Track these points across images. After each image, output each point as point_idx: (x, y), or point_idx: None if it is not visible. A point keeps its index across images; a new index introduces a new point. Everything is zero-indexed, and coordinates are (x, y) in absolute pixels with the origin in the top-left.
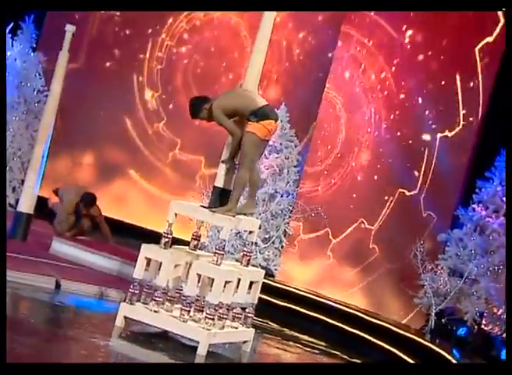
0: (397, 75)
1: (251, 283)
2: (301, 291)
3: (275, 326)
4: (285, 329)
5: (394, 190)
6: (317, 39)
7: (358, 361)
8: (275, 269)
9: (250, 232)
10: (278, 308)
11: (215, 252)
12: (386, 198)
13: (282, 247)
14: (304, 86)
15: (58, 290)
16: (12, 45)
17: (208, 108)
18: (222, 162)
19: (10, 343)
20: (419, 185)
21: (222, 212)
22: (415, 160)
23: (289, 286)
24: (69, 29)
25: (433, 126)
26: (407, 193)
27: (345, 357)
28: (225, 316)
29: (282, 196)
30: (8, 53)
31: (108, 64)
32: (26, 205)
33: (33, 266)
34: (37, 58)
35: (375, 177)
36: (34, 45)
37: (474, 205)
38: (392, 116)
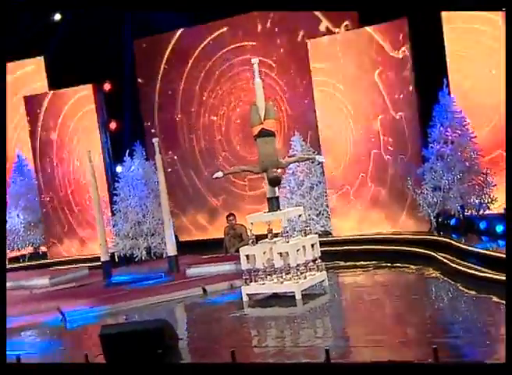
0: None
1: (312, 245)
2: (345, 236)
3: (341, 263)
4: (347, 263)
5: (368, 153)
6: None
7: (402, 265)
8: (330, 229)
9: (300, 216)
10: (336, 253)
11: (283, 236)
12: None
13: (328, 214)
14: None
15: (206, 293)
16: (134, 162)
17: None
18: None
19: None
20: (388, 147)
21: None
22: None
23: (338, 236)
24: (155, 140)
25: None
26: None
27: (389, 265)
28: (304, 271)
29: (317, 185)
30: (132, 168)
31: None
32: (172, 250)
33: (185, 285)
34: (150, 163)
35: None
36: (145, 157)
37: (431, 144)
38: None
